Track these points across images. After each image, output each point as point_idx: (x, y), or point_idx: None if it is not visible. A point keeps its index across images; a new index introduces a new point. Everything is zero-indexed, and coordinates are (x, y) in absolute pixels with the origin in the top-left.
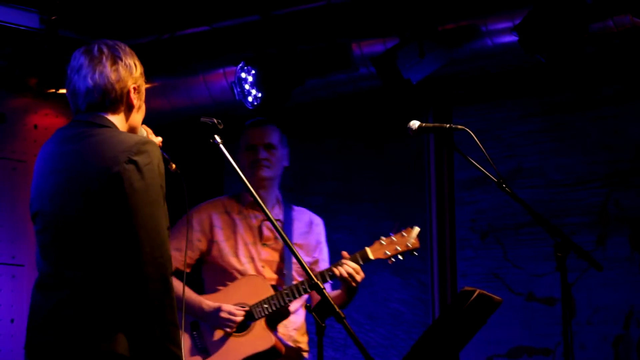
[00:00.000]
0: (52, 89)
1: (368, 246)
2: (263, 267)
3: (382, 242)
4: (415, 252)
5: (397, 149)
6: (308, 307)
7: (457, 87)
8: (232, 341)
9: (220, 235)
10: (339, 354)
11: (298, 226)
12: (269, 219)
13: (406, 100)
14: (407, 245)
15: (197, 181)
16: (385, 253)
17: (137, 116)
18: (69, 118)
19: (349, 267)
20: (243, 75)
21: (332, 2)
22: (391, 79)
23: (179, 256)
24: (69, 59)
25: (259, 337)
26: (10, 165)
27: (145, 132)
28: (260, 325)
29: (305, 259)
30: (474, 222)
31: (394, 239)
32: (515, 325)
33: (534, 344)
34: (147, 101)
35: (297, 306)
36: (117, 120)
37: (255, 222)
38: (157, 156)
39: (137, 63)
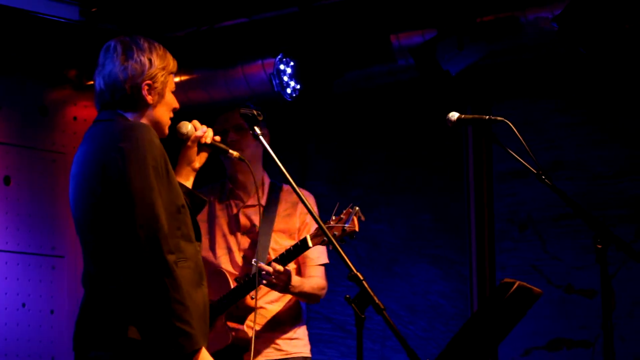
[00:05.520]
0: (92, 81)
1: (310, 234)
2: (244, 257)
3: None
4: (354, 236)
5: (436, 141)
6: (347, 299)
7: (496, 79)
8: None
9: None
10: (378, 346)
11: (282, 208)
12: (295, 190)
13: (446, 93)
14: (344, 230)
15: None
16: (323, 240)
17: (158, 111)
18: None
19: (271, 277)
20: (282, 67)
21: None
22: (430, 71)
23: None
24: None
25: (218, 335)
26: (50, 157)
27: (189, 125)
28: (221, 320)
29: (289, 243)
30: (513, 214)
31: (332, 223)
32: (554, 317)
33: (573, 336)
34: (185, 93)
35: (277, 296)
36: (133, 116)
37: (234, 211)
38: (145, 139)
39: (156, 58)
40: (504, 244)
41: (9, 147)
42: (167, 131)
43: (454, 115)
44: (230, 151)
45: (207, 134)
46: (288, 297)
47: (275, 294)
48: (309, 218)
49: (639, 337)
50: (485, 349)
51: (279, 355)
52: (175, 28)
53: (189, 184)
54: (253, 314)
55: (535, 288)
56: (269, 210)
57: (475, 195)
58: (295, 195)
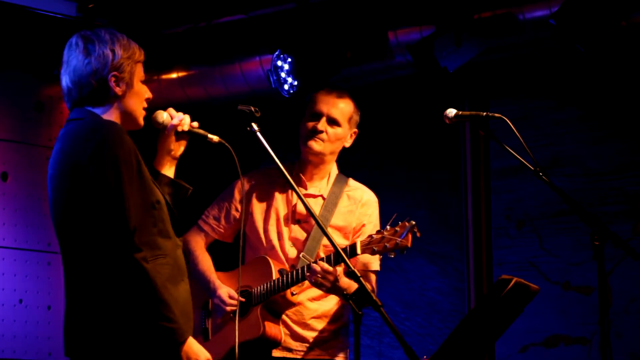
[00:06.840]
0: None
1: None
2: (291, 246)
3: (373, 236)
4: (404, 251)
5: (433, 138)
6: (345, 296)
7: (493, 76)
8: (229, 326)
9: (256, 208)
10: (375, 342)
11: (343, 204)
12: (296, 193)
13: (443, 89)
14: (397, 244)
15: (232, 171)
16: (373, 250)
17: (129, 102)
18: None
19: (317, 275)
20: (279, 63)
21: None
22: (427, 67)
23: (217, 226)
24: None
25: (250, 325)
26: (46, 153)
27: (164, 113)
28: (255, 312)
29: (341, 242)
30: (510, 211)
31: (385, 234)
32: (552, 314)
33: (570, 333)
34: (183, 90)
35: (319, 294)
36: (104, 111)
37: (294, 199)
38: (113, 136)
39: (119, 48)
40: (501, 240)
41: (6, 143)
42: (142, 122)
43: (451, 112)
44: (210, 136)
45: (184, 121)
46: (330, 297)
47: (317, 292)
48: (369, 220)
49: (635, 334)
50: (482, 345)
51: (310, 355)
52: (172, 24)
53: (170, 173)
54: (291, 309)
55: (532, 285)
56: (329, 203)
57: (473, 191)
58: (359, 193)
